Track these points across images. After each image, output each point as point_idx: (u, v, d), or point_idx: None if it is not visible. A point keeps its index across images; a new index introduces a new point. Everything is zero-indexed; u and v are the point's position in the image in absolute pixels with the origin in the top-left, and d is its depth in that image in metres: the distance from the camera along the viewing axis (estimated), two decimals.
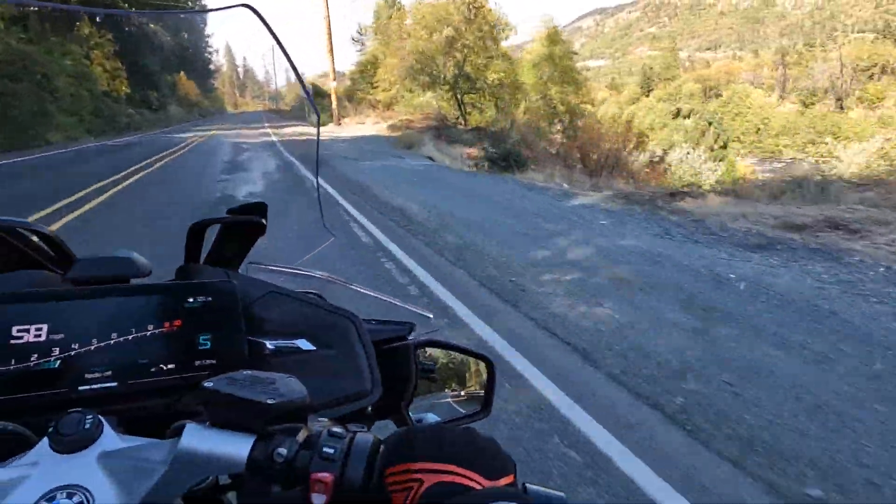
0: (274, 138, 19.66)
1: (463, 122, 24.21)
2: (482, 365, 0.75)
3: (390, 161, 12.41)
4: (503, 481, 0.38)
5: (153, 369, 0.57)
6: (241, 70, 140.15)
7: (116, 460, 0.41)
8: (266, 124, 32.45)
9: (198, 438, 0.40)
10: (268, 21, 0.60)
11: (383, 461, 0.40)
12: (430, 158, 13.51)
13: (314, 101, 0.85)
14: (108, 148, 16.55)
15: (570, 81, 25.41)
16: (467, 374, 0.80)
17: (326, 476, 0.38)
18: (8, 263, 0.68)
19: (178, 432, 0.44)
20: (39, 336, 0.53)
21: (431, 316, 0.88)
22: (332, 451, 0.39)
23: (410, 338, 0.76)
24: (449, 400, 0.79)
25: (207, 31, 58.80)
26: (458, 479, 0.37)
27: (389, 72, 25.96)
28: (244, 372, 0.43)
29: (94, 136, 21.43)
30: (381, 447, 0.41)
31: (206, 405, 0.42)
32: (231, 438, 0.40)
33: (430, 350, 0.76)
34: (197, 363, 0.59)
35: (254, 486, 0.43)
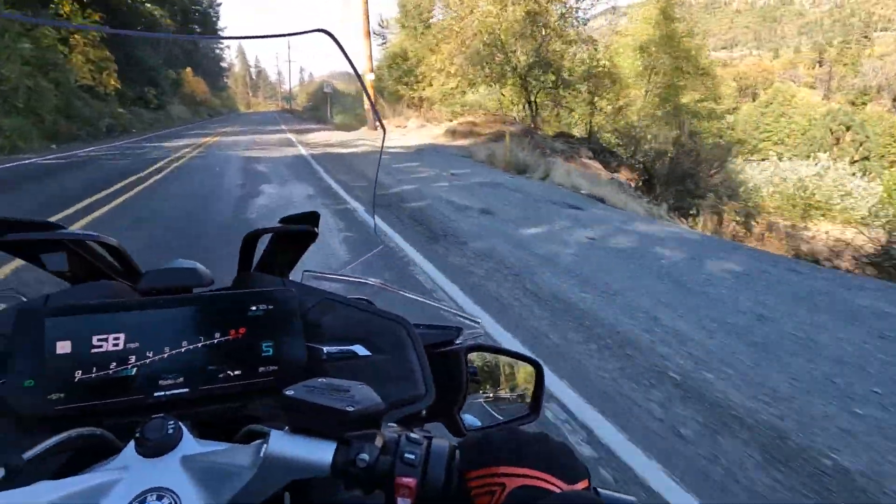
0: (302, 150, 14.06)
1: (533, 125, 18.02)
2: (517, 368, 0.77)
3: (562, 221, 5.90)
4: (580, 485, 0.39)
5: (221, 375, 0.60)
6: (253, 70, 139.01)
7: (199, 464, 0.45)
8: (284, 127, 27.73)
9: (283, 444, 0.42)
10: (342, 44, 0.68)
11: (463, 465, 0.41)
12: (601, 200, 7.39)
13: (378, 112, 1.06)
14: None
15: (696, 71, 18.23)
16: (501, 378, 0.79)
17: (411, 481, 0.39)
18: (79, 274, 0.73)
19: (250, 437, 0.50)
20: (117, 345, 0.57)
21: (480, 321, 0.90)
22: (412, 456, 0.41)
23: (458, 342, 0.77)
24: (481, 401, 0.77)
25: (220, 24, 53.36)
26: (538, 483, 0.38)
27: (445, 61, 19.29)
28: (320, 380, 0.46)
29: (58, 143, 15.47)
30: (456, 451, 0.42)
31: (288, 412, 0.44)
32: (314, 444, 0.42)
33: (470, 354, 0.74)
34: (261, 369, 0.61)
35: (322, 488, 0.48)
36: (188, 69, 45.79)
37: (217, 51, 60.25)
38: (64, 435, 0.48)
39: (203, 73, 52.63)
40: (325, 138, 17.83)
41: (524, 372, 0.79)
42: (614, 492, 0.39)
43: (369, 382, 0.49)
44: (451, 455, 0.41)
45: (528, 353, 0.75)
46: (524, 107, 18.94)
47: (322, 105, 39.78)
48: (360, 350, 0.69)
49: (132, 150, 13.76)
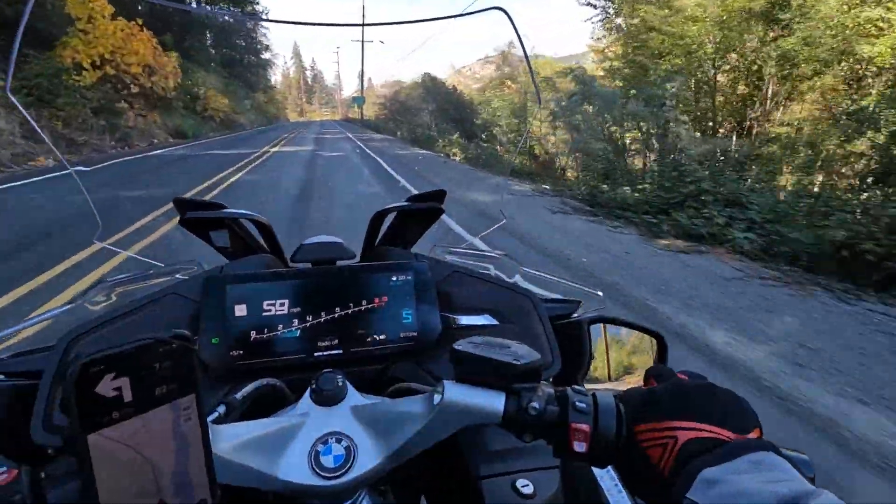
0: None
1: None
2: (638, 339, 0.77)
3: None
4: (752, 435, 0.39)
5: (368, 339, 0.67)
6: (309, 73, 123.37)
7: (368, 412, 0.50)
8: (383, 162, 13.89)
9: (457, 393, 0.45)
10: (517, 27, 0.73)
11: (632, 417, 0.42)
12: None
13: None
14: None
15: None
16: (623, 348, 0.79)
17: (585, 427, 0.41)
18: (236, 250, 0.83)
19: (400, 393, 0.57)
20: (283, 310, 0.65)
21: (601, 294, 0.89)
22: (584, 405, 0.42)
23: (579, 314, 0.80)
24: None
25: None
26: (710, 435, 0.38)
27: None
28: (479, 338, 0.48)
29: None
30: (620, 405, 0.43)
31: (456, 364, 0.47)
32: (486, 394, 0.45)
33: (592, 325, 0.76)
34: (402, 334, 0.68)
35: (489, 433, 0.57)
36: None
37: (256, 44, 46.27)
38: (258, 383, 0.55)
39: (243, 78, 42.17)
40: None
41: (640, 342, 0.79)
42: (785, 448, 0.39)
43: None
44: (618, 407, 0.43)
45: (650, 325, 0.76)
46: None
47: (411, 118, 28.43)
48: (489, 320, 0.73)
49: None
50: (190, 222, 0.78)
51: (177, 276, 0.80)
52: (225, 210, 0.80)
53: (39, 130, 0.84)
